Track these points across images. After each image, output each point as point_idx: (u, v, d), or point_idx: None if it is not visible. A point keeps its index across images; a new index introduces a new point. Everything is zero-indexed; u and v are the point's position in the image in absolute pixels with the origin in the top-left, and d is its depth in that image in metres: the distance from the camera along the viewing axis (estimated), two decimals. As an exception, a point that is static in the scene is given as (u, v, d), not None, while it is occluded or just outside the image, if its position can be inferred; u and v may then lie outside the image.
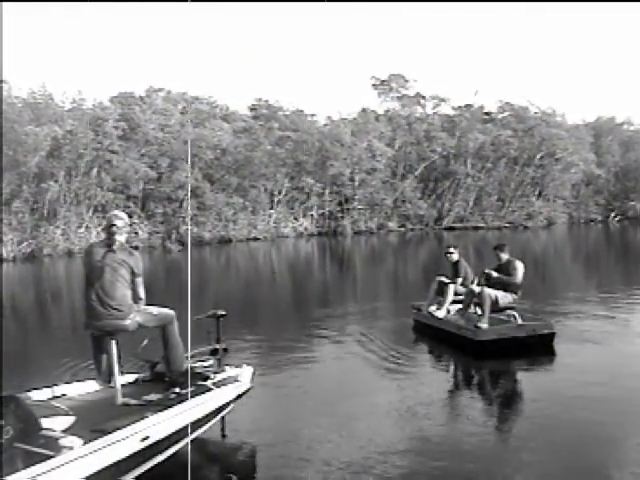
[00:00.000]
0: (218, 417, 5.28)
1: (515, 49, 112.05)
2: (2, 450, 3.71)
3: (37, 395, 5.03)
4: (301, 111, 49.04)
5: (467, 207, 47.78)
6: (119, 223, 5.21)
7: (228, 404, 5.29)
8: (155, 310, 5.32)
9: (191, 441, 4.97)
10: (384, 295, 15.60)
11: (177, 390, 5.12)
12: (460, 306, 9.65)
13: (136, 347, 5.56)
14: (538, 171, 49.27)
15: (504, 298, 8.86)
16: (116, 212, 5.43)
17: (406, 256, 29.67)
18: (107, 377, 5.19)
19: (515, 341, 8.38)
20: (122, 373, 5.19)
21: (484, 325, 8.54)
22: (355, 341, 9.33)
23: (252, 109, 49.93)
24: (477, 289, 8.98)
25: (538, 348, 8.37)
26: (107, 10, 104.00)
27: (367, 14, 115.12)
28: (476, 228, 45.51)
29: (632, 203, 52.47)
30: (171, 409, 4.65)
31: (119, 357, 5.07)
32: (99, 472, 3.91)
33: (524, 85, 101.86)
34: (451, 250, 10.21)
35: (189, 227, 36.24)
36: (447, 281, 10.00)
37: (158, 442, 4.43)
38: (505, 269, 9.07)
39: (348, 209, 44.19)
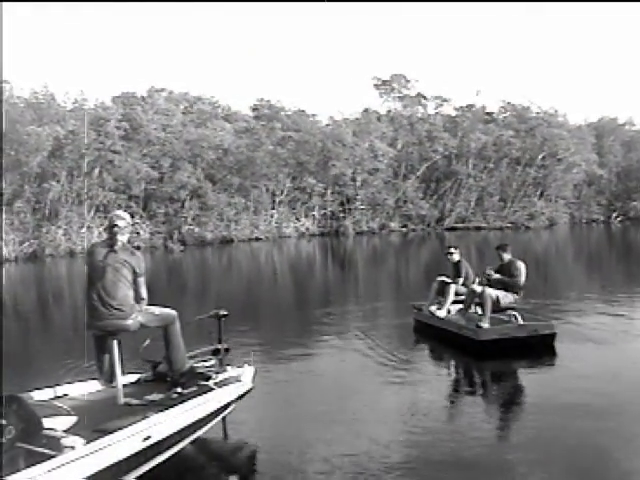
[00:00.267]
0: (220, 417, 5.29)
1: (516, 49, 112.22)
2: (4, 449, 3.72)
3: (39, 395, 5.04)
4: (303, 111, 49.13)
5: (469, 207, 47.75)
6: (121, 223, 5.21)
7: (230, 404, 5.29)
8: (157, 310, 5.32)
9: (193, 441, 4.99)
10: (385, 295, 15.59)
11: (179, 390, 5.13)
12: (461, 306, 9.66)
13: (138, 347, 5.56)
14: (540, 171, 49.23)
15: (505, 298, 8.86)
16: (118, 212, 5.42)
17: (408, 256, 29.65)
18: (109, 377, 5.19)
19: (516, 341, 8.38)
20: (124, 373, 5.20)
21: (485, 325, 8.55)
22: (356, 341, 9.33)
23: (254, 109, 49.99)
24: (478, 289, 8.98)
25: (539, 348, 8.36)
26: (109, 10, 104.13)
27: (368, 14, 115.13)
28: (478, 228, 45.49)
29: (634, 203, 52.42)
30: (173, 409, 4.66)
31: (121, 357, 5.07)
32: (101, 472, 3.92)
33: (526, 85, 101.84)
34: (451, 250, 10.22)
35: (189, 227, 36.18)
36: (448, 281, 10.01)
37: (160, 442, 4.44)
38: (507, 269, 9.06)
39: (350, 209, 44.19)
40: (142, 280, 5.22)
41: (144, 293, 5.24)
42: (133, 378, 5.61)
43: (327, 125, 47.93)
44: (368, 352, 8.58)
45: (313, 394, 6.94)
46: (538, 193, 49.68)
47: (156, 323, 5.27)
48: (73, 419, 4.49)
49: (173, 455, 4.72)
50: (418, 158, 47.88)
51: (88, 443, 3.95)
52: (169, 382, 5.32)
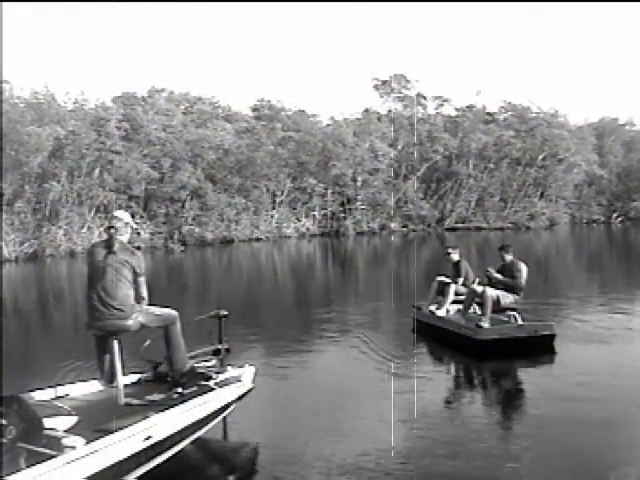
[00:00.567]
0: (220, 417, 5.29)
1: (517, 49, 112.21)
2: (5, 449, 3.73)
3: (40, 395, 5.04)
4: (303, 111, 49.11)
5: (469, 208, 47.73)
6: (118, 224, 5.22)
7: (230, 404, 5.29)
8: (158, 310, 5.33)
9: (193, 441, 4.99)
10: (386, 295, 15.58)
11: (179, 390, 5.13)
12: (460, 306, 9.68)
13: (139, 347, 5.56)
14: (540, 172, 49.19)
15: (506, 298, 8.87)
16: (116, 213, 5.42)
17: (408, 257, 29.63)
18: (110, 377, 5.20)
19: (516, 341, 8.39)
20: (124, 373, 5.20)
21: (485, 324, 8.56)
22: (356, 341, 9.32)
23: (254, 109, 49.99)
24: (479, 289, 8.99)
25: (539, 349, 8.37)
26: (109, 10, 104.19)
27: (368, 14, 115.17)
28: (478, 229, 45.49)
29: (634, 204, 52.42)
30: (173, 409, 4.66)
31: (122, 357, 5.07)
32: (101, 472, 3.93)
33: (526, 85, 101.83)
34: (450, 250, 10.26)
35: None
36: (448, 281, 10.03)
37: (160, 442, 4.44)
38: (509, 270, 9.08)
39: (350, 209, 44.18)
40: (142, 280, 5.23)
41: (144, 293, 5.25)
42: (134, 378, 5.61)
43: (327, 125, 47.91)
44: (368, 352, 8.59)
45: (313, 394, 6.95)
46: (538, 193, 49.65)
47: (157, 323, 5.27)
48: (74, 419, 4.49)
49: (174, 455, 4.72)
50: (418, 158, 47.83)
51: (89, 443, 3.96)
52: (170, 382, 5.32)
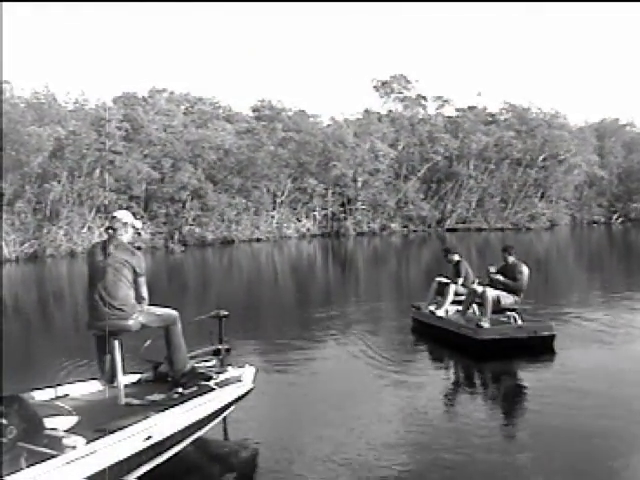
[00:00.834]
0: (220, 417, 5.30)
1: (517, 50, 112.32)
2: (6, 449, 3.73)
3: (40, 395, 5.05)
4: (304, 112, 49.10)
5: (470, 208, 47.73)
6: (117, 225, 5.23)
7: (230, 404, 5.30)
8: (158, 310, 5.33)
9: (193, 441, 4.99)
10: (386, 296, 15.60)
11: (180, 390, 5.14)
12: (459, 307, 9.69)
13: (139, 347, 5.57)
14: (541, 172, 49.17)
15: (506, 299, 8.87)
16: (117, 213, 5.42)
17: (408, 257, 29.66)
18: (110, 377, 5.20)
19: (516, 342, 8.39)
20: (125, 373, 5.20)
21: (486, 324, 8.57)
22: (357, 341, 9.33)
23: (255, 110, 50.00)
24: (479, 289, 9.00)
25: (539, 349, 8.37)
26: (109, 10, 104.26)
27: (368, 14, 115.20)
28: (479, 229, 45.49)
29: (635, 205, 52.42)
30: (174, 409, 4.66)
31: (122, 357, 5.08)
32: (102, 472, 3.93)
33: (527, 86, 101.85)
34: (449, 256, 10.30)
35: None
36: (447, 281, 10.04)
37: (161, 442, 4.45)
38: (511, 271, 9.07)
39: (351, 210, 44.19)
40: (143, 280, 5.23)
41: (145, 293, 5.25)
42: (134, 378, 5.61)
43: (328, 126, 47.89)
44: (368, 352, 8.59)
45: (313, 394, 6.95)
46: (539, 194, 49.64)
47: (157, 323, 5.27)
48: (74, 419, 4.49)
49: (174, 455, 4.72)
50: (419, 159, 47.87)
51: (89, 443, 3.96)
52: (170, 382, 5.33)
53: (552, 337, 8.56)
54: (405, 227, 45.75)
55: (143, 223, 35.06)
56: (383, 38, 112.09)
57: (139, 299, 5.20)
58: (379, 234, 43.57)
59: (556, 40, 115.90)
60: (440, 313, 9.62)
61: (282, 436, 5.61)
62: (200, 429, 4.96)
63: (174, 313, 5.40)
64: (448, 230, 45.62)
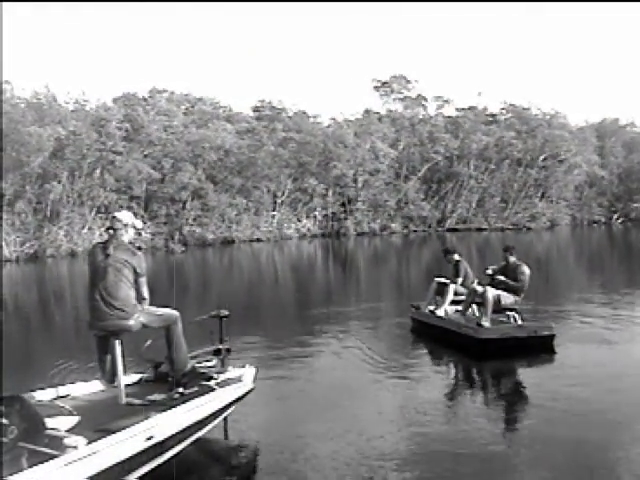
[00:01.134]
0: (221, 417, 5.30)
1: (517, 50, 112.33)
2: (7, 449, 3.73)
3: (41, 395, 5.05)
4: (304, 112, 49.10)
5: (470, 208, 47.73)
6: (117, 225, 5.24)
7: (231, 404, 5.30)
8: (159, 310, 5.34)
9: (194, 441, 4.99)
10: (386, 296, 15.60)
11: (180, 390, 5.14)
12: (458, 307, 9.69)
13: (140, 347, 5.57)
14: (541, 172, 49.19)
15: (506, 298, 8.88)
16: (117, 214, 5.43)
17: (409, 257, 29.66)
18: (111, 377, 5.21)
19: (516, 341, 8.40)
20: (126, 373, 5.21)
21: (486, 324, 8.57)
22: (357, 341, 9.34)
23: (255, 110, 50.02)
24: (480, 289, 9.00)
25: (539, 349, 8.38)
26: (109, 10, 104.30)
27: (368, 15, 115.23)
28: (479, 230, 45.51)
29: (635, 205, 52.44)
30: (175, 409, 4.67)
31: (123, 357, 5.08)
32: (103, 472, 3.93)
33: (527, 86, 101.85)
34: (449, 257, 10.31)
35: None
36: (446, 281, 10.05)
37: (162, 442, 4.45)
38: (511, 271, 9.07)
39: (351, 210, 44.20)
40: (143, 280, 5.24)
41: (145, 293, 5.25)
42: (135, 378, 5.62)
43: (328, 126, 47.91)
44: (368, 352, 8.59)
45: (314, 394, 6.96)
46: (539, 194, 49.66)
47: (158, 323, 5.28)
48: (75, 419, 4.50)
49: (175, 455, 4.73)
50: (419, 159, 47.88)
51: (90, 443, 3.96)
52: (171, 382, 5.32)
53: (552, 337, 8.56)
54: (405, 227, 45.76)
55: (143, 223, 35.10)
56: (383, 38, 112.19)
57: (140, 299, 5.21)
58: (379, 234, 43.57)
59: (556, 40, 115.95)
60: (440, 313, 9.63)
61: (282, 436, 5.62)
62: (201, 429, 4.97)
63: (175, 313, 5.41)
64: (448, 230, 45.63)
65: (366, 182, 44.72)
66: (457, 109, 52.49)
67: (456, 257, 10.20)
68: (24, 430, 3.90)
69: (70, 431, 4.24)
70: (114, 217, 5.34)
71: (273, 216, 41.30)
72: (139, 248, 5.58)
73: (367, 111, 49.73)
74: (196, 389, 5.13)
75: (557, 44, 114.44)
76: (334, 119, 49.13)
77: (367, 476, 4.69)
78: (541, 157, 49.10)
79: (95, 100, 40.03)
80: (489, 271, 9.28)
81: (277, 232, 40.55)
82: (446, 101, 52.11)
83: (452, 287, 9.81)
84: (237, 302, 14.49)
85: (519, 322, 8.81)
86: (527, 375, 7.66)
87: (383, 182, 45.44)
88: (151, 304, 5.33)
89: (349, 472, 4.75)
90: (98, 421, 4.45)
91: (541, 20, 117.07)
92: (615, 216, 52.55)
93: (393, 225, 45.11)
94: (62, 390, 5.23)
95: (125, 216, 5.38)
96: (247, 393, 5.47)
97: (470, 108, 52.24)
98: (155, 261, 27.80)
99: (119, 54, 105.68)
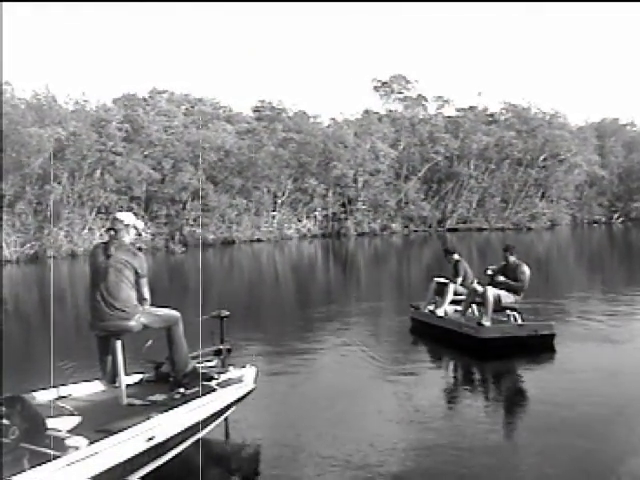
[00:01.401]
0: (222, 417, 5.30)
1: (517, 50, 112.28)
2: (8, 450, 3.74)
3: (42, 395, 5.05)
4: (304, 112, 49.06)
5: (470, 208, 47.72)
6: (118, 226, 5.24)
7: (232, 404, 5.31)
8: (160, 311, 5.34)
9: (195, 441, 5.00)
10: (386, 296, 15.61)
11: (181, 390, 5.14)
12: (457, 307, 9.70)
13: (141, 348, 5.58)
14: (541, 172, 49.18)
15: (507, 298, 8.89)
16: (118, 215, 5.43)
17: (409, 257, 29.66)
18: (112, 377, 5.21)
19: (516, 340, 8.41)
20: (127, 373, 5.21)
21: (487, 323, 8.58)
22: (357, 341, 9.34)
23: (255, 110, 49.99)
24: (480, 288, 9.01)
25: (539, 348, 8.39)
26: (109, 11, 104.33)
27: (368, 15, 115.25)
28: (479, 229, 45.50)
29: (635, 204, 52.49)
30: (176, 409, 4.67)
31: (124, 358, 5.09)
32: (105, 472, 3.93)
33: (527, 86, 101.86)
34: (448, 256, 10.31)
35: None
36: (445, 281, 10.05)
37: (163, 442, 4.45)
38: (512, 271, 9.08)
39: (351, 210, 44.18)
40: (144, 281, 5.25)
41: (146, 294, 5.26)
42: (136, 378, 5.62)
43: (328, 126, 47.86)
44: (369, 352, 8.60)
45: (314, 394, 6.96)
46: (540, 194, 49.63)
47: (159, 324, 5.28)
48: (76, 419, 4.50)
49: (176, 455, 4.73)
50: (419, 159, 47.87)
51: (92, 443, 3.96)
52: (172, 382, 5.33)
53: (552, 336, 8.58)
54: (406, 227, 45.74)
55: (144, 224, 35.08)
56: (383, 38, 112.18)
57: (141, 300, 5.21)
58: (380, 234, 43.56)
59: (556, 40, 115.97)
60: (439, 313, 9.64)
61: (283, 436, 5.62)
62: (202, 429, 4.97)
63: (175, 314, 5.42)
64: (449, 230, 45.62)
65: (366, 182, 44.71)
66: (457, 109, 52.51)
67: (456, 257, 10.21)
68: (25, 431, 3.90)
69: (71, 431, 4.25)
70: (115, 218, 5.35)
71: (273, 216, 41.29)
72: (140, 249, 5.58)
73: (367, 111, 49.70)
74: (197, 389, 5.13)
75: (557, 44, 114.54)
76: (334, 119, 49.14)
77: (368, 475, 4.69)
78: (541, 157, 49.10)
79: (95, 101, 40.05)
80: (489, 271, 9.29)
81: (277, 232, 40.53)
82: (446, 101, 52.12)
83: (452, 287, 9.82)
84: (238, 302, 14.50)
85: (519, 321, 8.81)
86: (527, 374, 7.67)
87: (383, 182, 45.43)
88: (152, 305, 5.34)
89: (350, 472, 4.76)
90: (99, 421, 4.45)
91: (541, 20, 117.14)
92: (615, 216, 52.56)
93: (393, 225, 45.09)
94: (63, 390, 5.23)
95: (126, 217, 5.39)
96: (248, 393, 5.47)
97: (470, 108, 52.23)
98: (155, 262, 27.79)
99: (119, 54, 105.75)
